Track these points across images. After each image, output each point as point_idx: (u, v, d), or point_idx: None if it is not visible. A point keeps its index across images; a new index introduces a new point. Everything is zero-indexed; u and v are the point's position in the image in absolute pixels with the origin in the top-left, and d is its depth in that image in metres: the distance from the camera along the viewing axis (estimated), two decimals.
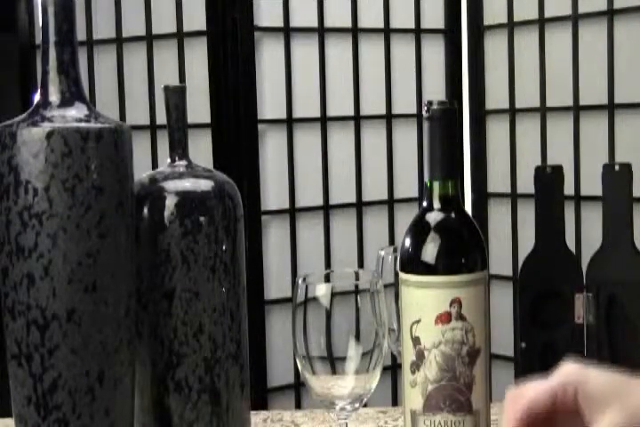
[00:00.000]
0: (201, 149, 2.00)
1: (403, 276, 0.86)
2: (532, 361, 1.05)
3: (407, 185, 2.22)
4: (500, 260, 2.15)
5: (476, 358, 0.84)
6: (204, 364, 0.95)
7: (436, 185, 0.85)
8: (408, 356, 0.85)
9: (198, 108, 2.01)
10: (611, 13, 1.96)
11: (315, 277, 0.89)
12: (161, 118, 2.06)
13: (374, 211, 2.21)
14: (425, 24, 2.23)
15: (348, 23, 2.15)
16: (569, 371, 0.72)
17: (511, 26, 2.14)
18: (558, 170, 1.04)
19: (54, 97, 0.87)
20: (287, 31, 2.08)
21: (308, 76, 2.11)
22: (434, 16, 2.24)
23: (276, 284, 2.09)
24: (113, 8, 2.13)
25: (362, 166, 2.18)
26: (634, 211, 1.03)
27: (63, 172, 0.84)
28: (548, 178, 1.04)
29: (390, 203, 2.21)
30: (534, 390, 0.71)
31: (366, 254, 2.17)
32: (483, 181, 2.22)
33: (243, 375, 0.98)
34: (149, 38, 2.10)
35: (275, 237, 2.11)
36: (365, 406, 0.96)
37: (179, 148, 0.99)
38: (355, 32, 2.15)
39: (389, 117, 2.21)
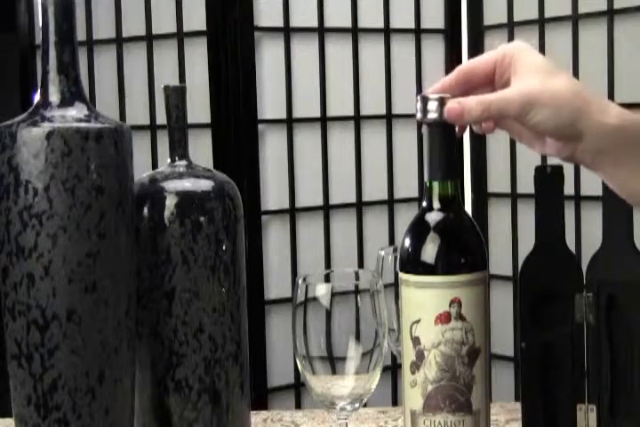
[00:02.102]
0: (201, 149, 2.00)
1: (402, 276, 0.85)
2: (532, 361, 1.05)
3: (407, 185, 2.22)
4: (500, 260, 2.15)
5: (476, 358, 0.84)
6: (204, 364, 0.95)
7: (436, 185, 0.85)
8: (408, 356, 0.85)
9: (198, 108, 2.01)
10: (611, 13, 1.96)
11: (315, 277, 0.89)
12: (161, 118, 2.06)
13: (374, 211, 2.21)
14: (425, 24, 2.23)
15: (348, 23, 2.15)
16: (513, 44, 0.84)
17: (511, 26, 2.14)
18: (558, 170, 1.04)
19: (54, 97, 0.87)
20: (287, 31, 2.08)
21: (308, 76, 2.11)
22: (434, 16, 2.24)
23: (276, 284, 2.09)
24: (113, 8, 2.13)
25: (362, 166, 2.18)
26: (634, 211, 1.03)
27: (63, 172, 0.84)
28: (548, 178, 1.04)
29: (390, 203, 2.21)
30: (481, 56, 0.85)
31: (366, 254, 2.17)
32: (483, 181, 2.22)
33: (243, 375, 0.98)
34: (149, 38, 2.10)
35: (275, 237, 2.11)
36: (365, 406, 0.96)
37: (179, 148, 0.99)
38: (355, 32, 2.15)
39: (389, 117, 2.21)
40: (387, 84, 2.20)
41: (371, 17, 2.17)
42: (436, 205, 0.85)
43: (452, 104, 0.81)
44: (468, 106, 0.80)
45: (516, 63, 0.82)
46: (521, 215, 2.13)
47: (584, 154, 0.80)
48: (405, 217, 2.18)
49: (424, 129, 0.84)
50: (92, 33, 2.15)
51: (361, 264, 2.17)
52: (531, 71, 0.80)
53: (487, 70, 0.84)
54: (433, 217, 0.85)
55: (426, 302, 0.83)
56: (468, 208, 2.22)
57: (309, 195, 2.13)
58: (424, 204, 0.86)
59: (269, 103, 2.08)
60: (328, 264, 2.13)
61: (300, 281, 0.86)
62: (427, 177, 0.86)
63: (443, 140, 0.84)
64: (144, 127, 2.10)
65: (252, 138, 2.05)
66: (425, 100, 0.82)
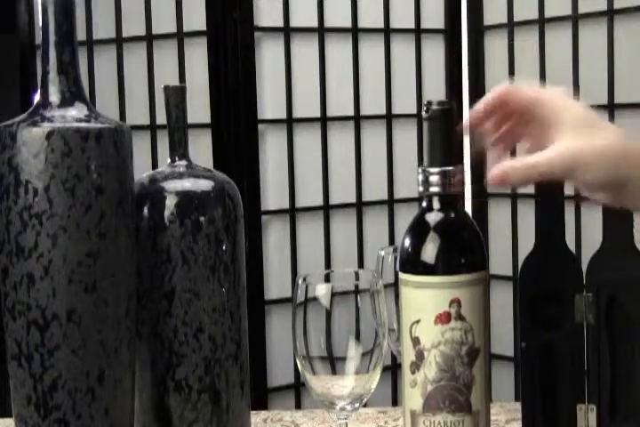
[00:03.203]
0: (201, 149, 2.00)
1: (402, 276, 0.86)
2: (532, 361, 1.05)
3: (407, 185, 2.22)
4: (500, 260, 2.15)
5: (476, 358, 0.84)
6: (204, 364, 0.95)
7: None
8: (408, 356, 0.85)
9: (198, 108, 2.01)
10: (611, 13, 1.96)
11: (315, 277, 0.89)
12: (161, 118, 2.06)
13: (374, 211, 2.21)
14: (425, 24, 2.23)
15: (348, 23, 2.15)
16: (553, 92, 0.83)
17: (511, 26, 2.14)
18: None
19: (54, 97, 0.87)
20: (287, 31, 2.08)
21: (308, 76, 2.11)
22: (434, 16, 2.24)
23: (276, 284, 2.09)
24: (113, 8, 2.13)
25: (362, 166, 2.18)
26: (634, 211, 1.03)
27: (63, 172, 0.84)
28: None
29: (390, 203, 2.21)
30: (518, 91, 0.84)
31: (366, 254, 2.17)
32: (483, 181, 2.21)
33: (243, 375, 0.98)
34: (149, 38, 2.10)
35: (275, 237, 2.10)
36: (365, 406, 0.96)
37: (179, 148, 0.99)
38: (355, 32, 2.15)
39: (389, 117, 2.21)
40: (387, 84, 2.20)
41: (371, 17, 2.17)
42: (436, 205, 0.85)
43: (495, 171, 0.81)
44: (510, 171, 0.80)
45: (557, 115, 0.80)
46: (521, 215, 2.13)
47: (628, 199, 0.81)
48: (405, 217, 2.18)
49: (424, 126, 0.84)
50: (92, 33, 2.15)
51: (361, 264, 2.17)
52: (573, 126, 0.79)
53: (521, 109, 0.83)
54: (433, 217, 0.85)
55: (425, 302, 0.83)
56: (468, 208, 2.22)
57: (309, 195, 2.13)
58: (423, 204, 0.86)
59: (269, 103, 2.08)
60: (328, 264, 2.13)
61: (300, 281, 0.86)
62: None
63: (443, 138, 0.84)
64: (144, 127, 2.10)
65: (252, 138, 2.05)
66: (426, 174, 0.83)
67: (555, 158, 0.79)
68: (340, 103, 2.15)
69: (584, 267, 1.04)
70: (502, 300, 2.09)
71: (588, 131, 0.79)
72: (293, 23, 2.09)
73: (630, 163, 0.79)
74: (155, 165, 2.07)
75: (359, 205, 2.18)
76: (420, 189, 0.84)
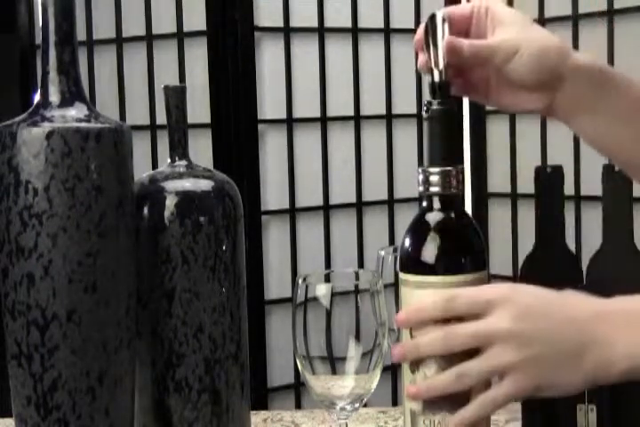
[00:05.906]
0: (201, 149, 2.00)
1: (402, 276, 0.85)
2: None
3: (407, 185, 2.22)
4: (500, 260, 2.15)
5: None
6: (204, 364, 0.95)
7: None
8: None
9: (198, 108, 2.01)
10: (611, 13, 1.96)
11: (315, 277, 0.89)
12: (161, 118, 2.06)
13: (374, 211, 2.21)
14: None
15: (348, 23, 2.15)
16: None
17: None
18: (558, 170, 1.04)
19: (54, 97, 0.87)
20: (287, 31, 2.08)
21: (308, 76, 2.12)
22: None
23: (276, 284, 2.09)
24: (113, 8, 2.13)
25: (362, 166, 2.18)
26: (634, 211, 1.03)
27: (63, 172, 0.84)
28: (548, 178, 1.04)
29: (390, 203, 2.21)
30: (455, 7, 0.86)
31: (366, 254, 2.17)
32: (483, 181, 2.22)
33: (243, 375, 0.98)
34: (149, 38, 2.10)
35: (275, 237, 2.11)
36: (365, 406, 0.96)
37: (179, 148, 0.99)
38: (355, 32, 2.15)
39: (389, 117, 2.21)
40: (387, 84, 2.20)
41: (371, 17, 2.18)
42: (436, 205, 0.85)
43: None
44: (463, 45, 0.81)
45: (494, 15, 0.83)
46: (521, 215, 2.13)
47: (562, 102, 0.82)
48: (405, 217, 2.18)
49: (424, 126, 0.85)
50: (92, 33, 2.15)
51: (361, 264, 2.17)
52: (511, 21, 0.82)
53: (464, 19, 0.85)
54: (433, 217, 0.85)
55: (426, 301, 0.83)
56: (468, 208, 2.22)
57: (309, 195, 2.13)
58: (424, 204, 0.86)
59: (269, 103, 2.08)
60: (328, 264, 2.13)
61: (300, 281, 0.86)
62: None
63: (443, 138, 0.84)
64: (144, 127, 2.10)
65: (251, 138, 2.05)
66: (426, 174, 0.83)
67: (496, 44, 0.81)
68: (340, 103, 2.16)
69: (584, 267, 1.04)
70: None
71: (524, 25, 0.82)
72: (293, 23, 2.09)
73: (568, 56, 0.81)
74: (155, 165, 2.08)
75: (359, 205, 2.18)
76: (420, 189, 0.84)
